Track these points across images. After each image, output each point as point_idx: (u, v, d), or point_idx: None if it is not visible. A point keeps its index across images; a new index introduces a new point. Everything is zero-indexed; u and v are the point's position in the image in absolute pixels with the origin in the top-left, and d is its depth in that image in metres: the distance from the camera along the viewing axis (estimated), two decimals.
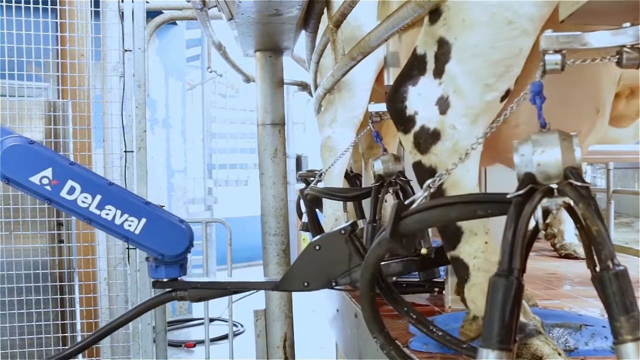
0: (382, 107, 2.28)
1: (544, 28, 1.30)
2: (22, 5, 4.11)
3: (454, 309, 1.93)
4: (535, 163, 1.04)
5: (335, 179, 2.71)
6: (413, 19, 1.45)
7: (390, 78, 2.14)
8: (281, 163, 3.28)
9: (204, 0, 3.15)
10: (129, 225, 1.89)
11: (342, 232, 1.96)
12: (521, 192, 1.03)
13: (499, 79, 1.35)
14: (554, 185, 1.02)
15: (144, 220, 1.89)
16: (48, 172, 1.85)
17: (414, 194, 2.07)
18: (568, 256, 3.12)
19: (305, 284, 2.05)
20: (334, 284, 1.98)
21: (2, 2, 4.08)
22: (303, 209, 3.52)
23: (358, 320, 2.03)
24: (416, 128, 1.41)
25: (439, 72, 1.38)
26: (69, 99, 4.31)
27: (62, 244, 4.21)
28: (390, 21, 1.52)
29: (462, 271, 1.41)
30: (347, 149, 2.62)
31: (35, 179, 1.84)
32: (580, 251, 3.08)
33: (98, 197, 1.88)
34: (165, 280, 1.97)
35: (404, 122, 1.43)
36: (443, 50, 1.37)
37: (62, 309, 4.15)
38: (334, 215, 2.71)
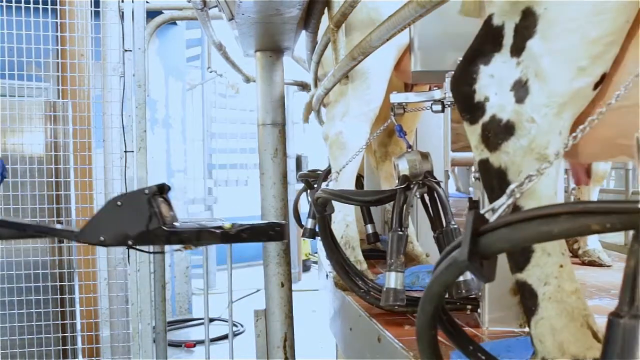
0: (405, 97, 2.10)
1: None
2: (22, 5, 4.11)
3: (492, 330, 1.72)
4: None
5: (348, 180, 2.46)
6: (414, 19, 1.45)
7: (417, 63, 1.92)
8: (281, 163, 3.27)
9: (204, 0, 3.15)
10: None
11: (146, 192, 2.01)
12: None
13: (595, 61, 1.09)
14: None
15: None
16: None
17: (446, 196, 1.93)
18: (592, 263, 2.87)
19: (102, 238, 2.06)
20: (130, 243, 2.02)
21: (2, 2, 4.08)
22: (302, 212, 3.46)
23: (382, 346, 1.82)
24: (485, 118, 1.15)
25: (517, 50, 1.13)
26: (69, 99, 4.31)
27: (62, 244, 4.21)
28: (392, 21, 1.52)
29: (529, 300, 1.14)
30: (365, 145, 2.36)
31: None
32: (606, 258, 2.85)
33: None
34: None
35: (471, 109, 1.17)
36: (526, 23, 1.11)
37: (62, 309, 4.15)
38: (345, 221, 2.44)
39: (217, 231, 2.16)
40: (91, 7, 4.41)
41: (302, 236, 3.05)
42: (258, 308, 3.39)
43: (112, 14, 4.20)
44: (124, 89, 4.18)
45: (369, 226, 2.88)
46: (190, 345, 6.72)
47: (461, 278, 1.75)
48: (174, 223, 2.15)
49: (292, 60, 4.25)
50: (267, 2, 2.43)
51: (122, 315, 4.27)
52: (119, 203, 2.04)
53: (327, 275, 2.90)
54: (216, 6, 2.96)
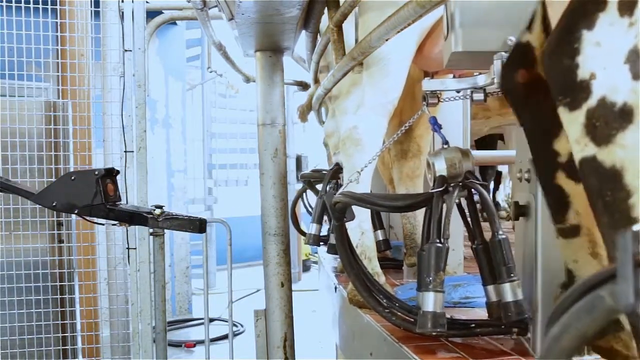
0: (441, 84, 1.80)
1: None
2: (22, 5, 4.11)
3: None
4: None
5: (365, 182, 2.15)
6: (414, 20, 1.45)
7: (458, 43, 1.57)
8: (281, 163, 3.27)
9: (204, 0, 3.16)
10: None
11: (96, 173, 2.47)
12: None
13: None
14: None
15: None
16: None
17: (494, 200, 1.72)
18: None
19: (54, 203, 2.54)
20: (76, 212, 2.49)
21: (2, 2, 4.08)
22: (303, 214, 3.39)
23: None
24: (592, 101, 0.86)
25: (627, 5, 0.83)
26: (69, 99, 4.31)
27: (62, 244, 4.21)
28: (392, 21, 1.52)
29: None
30: (387, 144, 2.10)
31: None
32: None
33: None
34: None
35: (571, 90, 0.88)
36: None
37: (62, 309, 4.15)
38: (361, 228, 2.17)
39: (148, 216, 2.59)
40: (91, 7, 4.41)
41: (306, 243, 2.90)
42: (258, 308, 3.39)
43: (112, 14, 4.20)
44: (124, 89, 4.18)
45: (379, 232, 2.69)
46: (190, 345, 6.72)
47: (510, 298, 1.51)
48: (116, 202, 2.60)
49: (292, 60, 4.25)
50: (267, 2, 2.43)
51: (122, 315, 4.27)
52: (72, 178, 2.48)
53: (335, 288, 2.70)
54: (216, 6, 2.96)
